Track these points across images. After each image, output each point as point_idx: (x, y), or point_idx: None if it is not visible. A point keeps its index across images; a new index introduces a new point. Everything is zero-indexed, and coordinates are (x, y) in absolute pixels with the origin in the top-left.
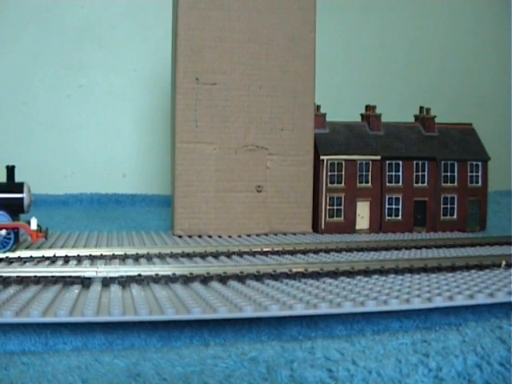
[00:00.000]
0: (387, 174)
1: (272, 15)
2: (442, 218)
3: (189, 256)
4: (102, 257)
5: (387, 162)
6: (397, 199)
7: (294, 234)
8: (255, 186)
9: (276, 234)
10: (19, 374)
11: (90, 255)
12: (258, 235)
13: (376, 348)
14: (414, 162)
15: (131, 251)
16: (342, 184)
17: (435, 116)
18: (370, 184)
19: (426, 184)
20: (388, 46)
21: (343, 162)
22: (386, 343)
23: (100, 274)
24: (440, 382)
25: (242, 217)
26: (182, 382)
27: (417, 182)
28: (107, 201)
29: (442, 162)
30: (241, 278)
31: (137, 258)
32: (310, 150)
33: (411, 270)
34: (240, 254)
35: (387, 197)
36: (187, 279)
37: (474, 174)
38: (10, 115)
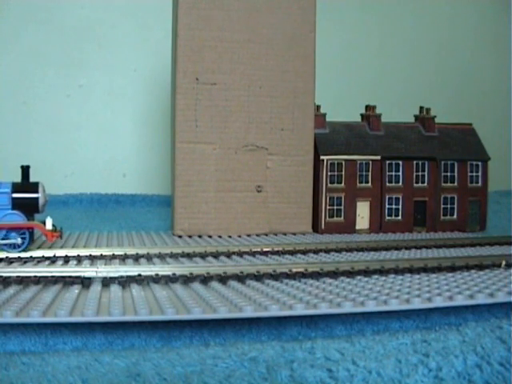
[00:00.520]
0: (387, 173)
1: (272, 15)
2: (442, 217)
3: (189, 256)
4: (101, 257)
5: (387, 161)
6: (397, 199)
7: (294, 234)
8: (255, 185)
9: (276, 234)
10: (19, 374)
11: (90, 255)
12: (258, 235)
13: (376, 348)
14: (414, 162)
15: (131, 251)
16: (342, 184)
17: (435, 116)
18: (370, 184)
19: (426, 184)
20: (388, 46)
21: (343, 162)
22: (386, 343)
23: (100, 274)
24: (440, 382)
25: (242, 217)
26: (182, 382)
27: (417, 182)
28: (107, 201)
29: (442, 162)
30: (241, 278)
31: (137, 258)
32: (310, 150)
33: (411, 270)
34: (240, 254)
35: (387, 197)
36: (187, 279)
37: (474, 173)
38: (10, 115)
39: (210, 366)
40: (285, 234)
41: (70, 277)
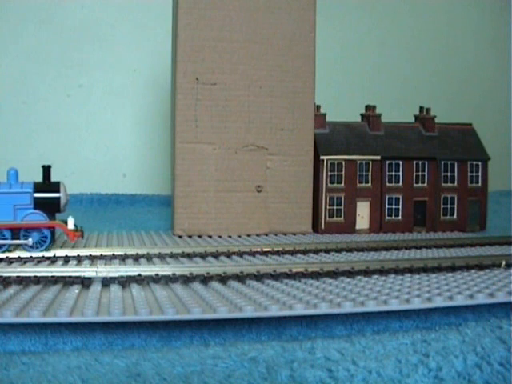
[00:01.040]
0: (387, 173)
1: (272, 15)
2: (441, 217)
3: (189, 256)
4: (101, 257)
5: (387, 161)
6: (397, 199)
7: (294, 234)
8: (255, 186)
9: (276, 234)
10: (19, 374)
11: (90, 255)
12: (258, 235)
13: (376, 348)
14: (414, 162)
15: (131, 251)
16: (342, 184)
17: (435, 116)
18: (370, 184)
19: (426, 184)
20: (388, 46)
21: (343, 162)
22: (386, 343)
23: (100, 274)
24: (440, 382)
25: (242, 217)
26: (182, 382)
27: (417, 182)
28: (107, 201)
29: (442, 162)
30: (241, 278)
31: (137, 258)
32: (310, 150)
33: (411, 270)
34: (240, 254)
35: (387, 197)
36: (187, 279)
37: (474, 174)
38: (10, 115)
39: (210, 366)
40: (285, 234)
41: (70, 277)
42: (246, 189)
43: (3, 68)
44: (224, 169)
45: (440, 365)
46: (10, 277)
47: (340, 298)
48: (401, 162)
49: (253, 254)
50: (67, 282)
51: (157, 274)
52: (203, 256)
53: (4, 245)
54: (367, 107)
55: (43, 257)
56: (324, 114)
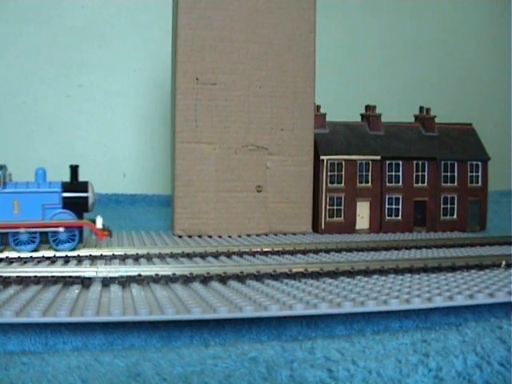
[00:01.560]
0: (387, 173)
1: (272, 15)
2: (441, 217)
3: (189, 256)
4: (101, 257)
5: (387, 161)
6: (397, 199)
7: (294, 234)
8: (255, 185)
9: (276, 234)
10: (19, 374)
11: (90, 255)
12: (258, 235)
13: (376, 348)
14: (414, 162)
15: (131, 251)
16: (342, 184)
17: (435, 116)
18: (370, 184)
19: (426, 184)
20: (388, 45)
21: (343, 162)
22: (386, 343)
23: (100, 274)
24: (440, 382)
25: (242, 217)
26: (182, 382)
27: (417, 182)
28: (107, 201)
29: (442, 162)
30: (241, 278)
31: (137, 258)
32: (310, 150)
33: (411, 270)
34: (240, 254)
35: (387, 197)
36: (187, 279)
37: (474, 174)
38: (10, 115)
39: (210, 366)
40: (285, 234)
41: (70, 277)
42: (246, 189)
43: (3, 68)
44: (224, 169)
45: (440, 365)
46: (9, 277)
47: (340, 298)
48: (401, 162)
49: (253, 254)
50: (67, 282)
51: (157, 274)
52: (203, 256)
53: (33, 242)
54: (367, 107)
55: (43, 257)
56: (324, 114)
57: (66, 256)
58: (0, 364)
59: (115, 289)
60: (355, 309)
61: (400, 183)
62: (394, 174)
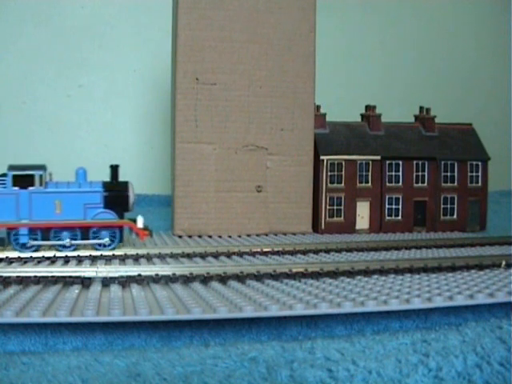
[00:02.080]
0: (387, 173)
1: (272, 15)
2: (442, 217)
3: (189, 256)
4: (101, 257)
5: (387, 161)
6: (397, 199)
7: (294, 234)
8: (255, 186)
9: (276, 234)
10: (19, 374)
11: (90, 255)
12: (258, 235)
13: (376, 348)
14: (414, 162)
15: (131, 251)
16: (342, 184)
17: (435, 116)
18: (370, 184)
19: (426, 184)
20: (388, 46)
21: (343, 162)
22: (386, 343)
23: (100, 274)
24: (440, 382)
25: (242, 217)
26: (182, 382)
27: (417, 182)
28: None
29: (442, 162)
30: (241, 278)
31: (137, 258)
32: (310, 150)
33: (411, 270)
34: (240, 254)
35: (387, 197)
36: (187, 279)
37: (474, 174)
38: (10, 115)
39: (209, 366)
40: (285, 234)
41: (70, 277)
42: (246, 189)
43: (3, 68)
44: (224, 169)
45: (440, 365)
46: (10, 277)
47: (340, 298)
48: (401, 162)
49: (253, 254)
50: (67, 282)
51: (157, 274)
52: (203, 256)
53: (73, 244)
54: (367, 107)
55: (43, 257)
56: (324, 114)
57: (66, 256)
58: (0, 364)
59: (115, 289)
60: (355, 309)
61: (400, 183)
62: (393, 173)
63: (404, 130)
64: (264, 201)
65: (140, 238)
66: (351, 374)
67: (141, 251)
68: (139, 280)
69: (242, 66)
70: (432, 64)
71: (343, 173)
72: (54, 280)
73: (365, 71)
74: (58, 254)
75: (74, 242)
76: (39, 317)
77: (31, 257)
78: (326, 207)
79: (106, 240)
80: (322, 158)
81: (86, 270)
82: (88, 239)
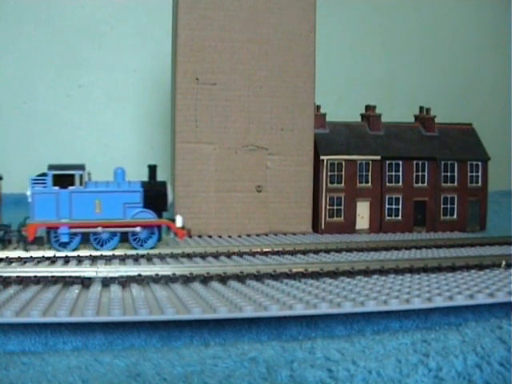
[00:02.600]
0: (387, 173)
1: (272, 15)
2: (442, 217)
3: (189, 256)
4: (102, 257)
5: (387, 162)
6: (397, 199)
7: (294, 234)
8: (255, 186)
9: (276, 234)
10: (19, 374)
11: (90, 255)
12: (258, 235)
13: (376, 348)
14: (414, 162)
15: (131, 251)
16: (342, 184)
17: (435, 116)
18: (370, 184)
19: (426, 184)
20: (388, 46)
21: (343, 162)
22: (386, 343)
23: (100, 274)
24: (440, 382)
25: (242, 217)
26: (182, 382)
27: (417, 182)
28: None
29: (442, 162)
30: (241, 278)
31: (137, 259)
32: (310, 150)
33: (411, 270)
34: (240, 254)
35: (387, 197)
36: (187, 279)
37: (474, 174)
38: (10, 115)
39: (209, 366)
40: (285, 234)
41: (70, 277)
42: (246, 189)
43: (3, 68)
44: (224, 169)
45: (440, 365)
46: (10, 277)
47: (340, 298)
48: (401, 162)
49: (253, 254)
50: (67, 282)
51: (157, 274)
52: (203, 256)
53: (112, 239)
54: (367, 107)
55: (43, 257)
56: (324, 114)
57: (66, 256)
58: (0, 364)
59: (115, 289)
60: (355, 309)
61: (400, 183)
62: (393, 173)
63: (404, 129)
64: (264, 201)
65: (179, 238)
66: (351, 374)
67: (141, 251)
68: (139, 280)
69: (242, 65)
70: (432, 64)
71: (343, 173)
72: (54, 280)
73: (365, 71)
74: (58, 254)
75: (113, 240)
76: (39, 317)
77: (31, 257)
78: (326, 207)
79: (145, 239)
80: (322, 157)
81: (86, 270)
82: (127, 238)
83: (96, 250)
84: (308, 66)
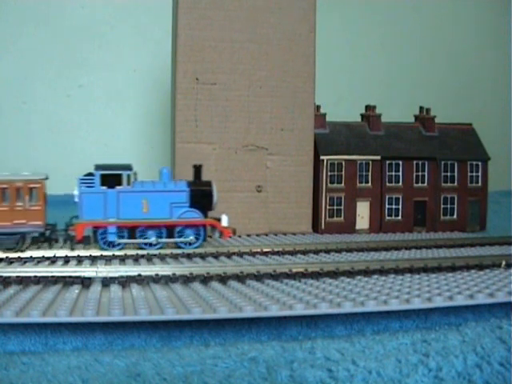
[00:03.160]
0: (387, 173)
1: (272, 15)
2: (442, 217)
3: (189, 256)
4: (102, 257)
5: (387, 162)
6: (397, 199)
7: (294, 234)
8: (255, 185)
9: (276, 234)
10: (19, 374)
11: (90, 255)
12: (258, 235)
13: (376, 348)
14: (414, 162)
15: (131, 251)
16: (342, 184)
17: (435, 116)
18: (370, 184)
19: (426, 184)
20: (388, 46)
21: (343, 162)
22: (386, 343)
23: (100, 274)
24: (440, 382)
25: (242, 217)
26: (182, 382)
27: (417, 182)
28: None
29: (442, 162)
30: (241, 278)
31: (137, 259)
32: (310, 150)
33: (411, 270)
34: (240, 254)
35: (387, 197)
36: (187, 279)
37: (474, 174)
38: (10, 115)
39: (209, 366)
40: (285, 234)
41: (70, 277)
42: (246, 189)
43: (3, 68)
44: (224, 169)
45: (440, 365)
46: (10, 277)
47: (340, 298)
48: (401, 162)
49: (253, 254)
50: (67, 282)
51: (157, 274)
52: (203, 256)
53: (160, 242)
54: (367, 107)
55: (43, 257)
56: (324, 114)
57: (66, 256)
58: (0, 364)
59: (115, 289)
60: (355, 309)
61: (400, 183)
62: (393, 173)
63: (404, 129)
64: (264, 201)
65: (224, 236)
66: (351, 374)
67: (141, 251)
68: (139, 280)
69: (242, 65)
70: (432, 64)
71: (343, 173)
72: (54, 280)
73: (365, 71)
74: (59, 253)
75: (160, 240)
76: (39, 317)
77: (31, 257)
78: (326, 207)
79: (191, 238)
80: (322, 157)
81: (86, 270)
82: (173, 238)
83: (142, 249)
84: (308, 66)
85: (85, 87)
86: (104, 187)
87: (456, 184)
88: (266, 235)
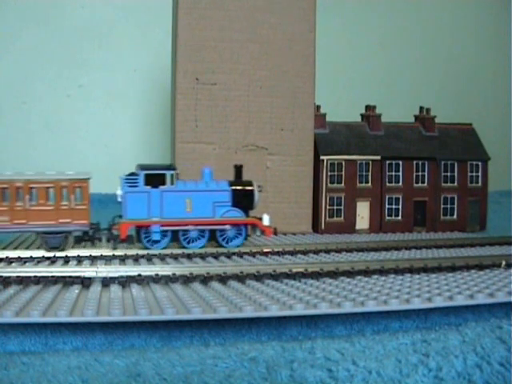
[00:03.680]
0: (387, 173)
1: (272, 15)
2: (442, 218)
3: (189, 256)
4: (102, 257)
5: (387, 162)
6: (397, 199)
7: (294, 234)
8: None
9: (276, 234)
10: (19, 374)
11: (90, 255)
12: (258, 235)
13: (376, 348)
14: (414, 162)
15: (131, 251)
16: (342, 184)
17: (435, 116)
18: (370, 184)
19: (426, 184)
20: (388, 46)
21: (343, 162)
22: (386, 343)
23: (100, 274)
24: (440, 382)
25: None
26: (182, 382)
27: (417, 182)
28: (107, 201)
29: (442, 162)
30: (241, 278)
31: (137, 259)
32: (310, 150)
33: (411, 270)
34: (240, 255)
35: (387, 197)
36: (187, 279)
37: (474, 174)
38: (10, 115)
39: (209, 366)
40: (285, 234)
41: (70, 277)
42: None
43: (3, 68)
44: (224, 169)
45: (440, 365)
46: (9, 277)
47: (340, 298)
48: (401, 162)
49: (253, 254)
50: (67, 282)
51: (157, 274)
52: (203, 256)
53: (201, 238)
54: (367, 107)
55: (43, 257)
56: (324, 114)
57: (66, 256)
58: (0, 364)
59: (115, 289)
60: (355, 309)
61: (400, 183)
62: (393, 173)
63: (404, 129)
64: (264, 201)
65: (266, 235)
66: (351, 374)
67: (141, 251)
68: (139, 280)
69: (242, 66)
70: (432, 64)
71: (343, 173)
72: (54, 280)
73: (365, 71)
74: (59, 253)
75: (202, 239)
76: (39, 317)
77: (31, 257)
78: (326, 207)
79: (233, 237)
80: (322, 157)
81: (86, 270)
82: (215, 236)
83: (185, 248)
84: (308, 66)
85: (85, 87)
86: (148, 187)
87: (456, 184)
88: None
